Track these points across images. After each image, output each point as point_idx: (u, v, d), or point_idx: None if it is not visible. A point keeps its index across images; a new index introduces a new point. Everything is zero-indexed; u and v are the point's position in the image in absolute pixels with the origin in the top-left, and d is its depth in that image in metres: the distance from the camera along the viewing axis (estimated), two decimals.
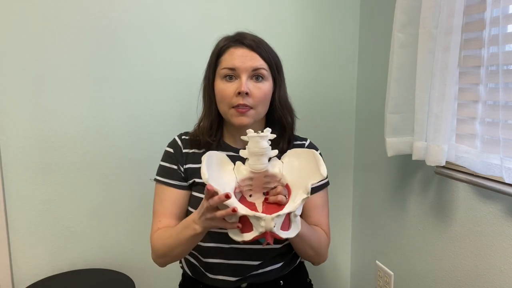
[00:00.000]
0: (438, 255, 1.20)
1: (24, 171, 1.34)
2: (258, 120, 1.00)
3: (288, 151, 0.94)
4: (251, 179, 0.88)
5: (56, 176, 1.37)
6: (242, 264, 1.00)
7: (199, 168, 1.02)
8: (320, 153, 1.09)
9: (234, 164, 0.91)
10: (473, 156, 1.02)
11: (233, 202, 0.78)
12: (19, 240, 1.36)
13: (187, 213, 1.03)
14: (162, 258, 0.99)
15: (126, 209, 1.45)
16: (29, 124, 1.33)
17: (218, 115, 1.02)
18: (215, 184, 0.78)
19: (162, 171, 1.04)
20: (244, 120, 0.95)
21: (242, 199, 0.80)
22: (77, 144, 1.38)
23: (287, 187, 0.87)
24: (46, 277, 1.35)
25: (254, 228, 0.76)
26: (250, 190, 0.90)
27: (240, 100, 0.93)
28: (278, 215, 0.74)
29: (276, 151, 0.87)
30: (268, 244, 0.78)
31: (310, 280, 1.20)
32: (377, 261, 1.55)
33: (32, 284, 1.30)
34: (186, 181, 1.03)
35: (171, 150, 1.04)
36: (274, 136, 0.87)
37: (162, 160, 1.05)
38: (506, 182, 0.90)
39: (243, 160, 0.90)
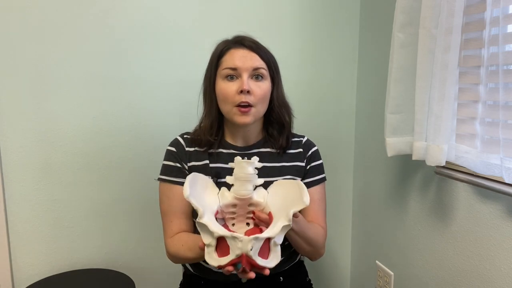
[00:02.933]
0: (438, 255, 1.20)
1: (24, 171, 1.34)
2: (258, 118, 1.03)
3: (274, 182, 0.95)
4: (234, 206, 0.87)
5: (56, 176, 1.37)
6: None
7: (203, 165, 1.03)
8: (317, 150, 1.13)
9: (220, 189, 0.91)
10: (473, 156, 1.02)
11: (211, 222, 0.77)
12: (19, 240, 1.36)
13: (193, 210, 1.04)
14: (180, 262, 1.06)
15: (126, 209, 1.45)
16: (29, 124, 1.32)
17: (218, 115, 1.04)
18: (197, 202, 0.79)
19: (166, 170, 1.05)
20: (246, 119, 0.98)
21: (224, 227, 0.79)
22: (77, 144, 1.38)
23: (269, 215, 0.86)
24: (46, 277, 1.35)
25: (231, 251, 0.74)
26: (233, 218, 0.89)
27: (242, 98, 0.96)
28: (257, 238, 0.73)
29: (262, 180, 0.88)
30: (244, 271, 0.74)
31: (310, 280, 1.20)
32: (377, 261, 1.55)
33: (32, 284, 1.30)
34: None
35: (174, 149, 1.06)
36: (261, 165, 0.88)
37: (165, 160, 1.07)
38: (506, 182, 0.91)
39: (229, 187, 0.89)
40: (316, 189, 1.08)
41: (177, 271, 1.15)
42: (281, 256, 1.05)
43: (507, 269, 0.97)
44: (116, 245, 1.46)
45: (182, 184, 1.02)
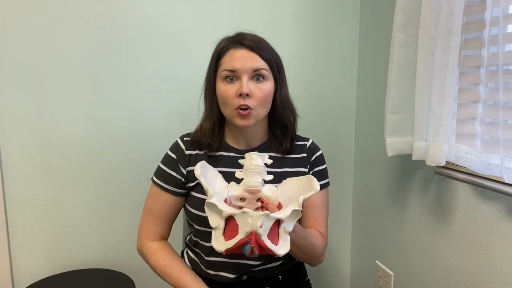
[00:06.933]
0: (438, 255, 1.20)
1: (24, 171, 1.34)
2: (260, 120, 1.00)
3: (283, 180, 0.92)
4: (243, 199, 0.86)
5: (56, 176, 1.37)
6: (243, 263, 1.01)
7: None
8: (322, 154, 1.10)
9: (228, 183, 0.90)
10: (473, 156, 1.02)
11: (220, 202, 0.76)
12: (19, 240, 1.36)
13: (188, 213, 1.03)
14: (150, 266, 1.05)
15: (126, 209, 1.45)
16: (29, 124, 1.32)
17: (219, 116, 1.02)
18: (207, 183, 0.78)
19: (160, 174, 1.04)
20: (246, 122, 0.95)
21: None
22: (77, 144, 1.38)
23: (279, 206, 0.85)
24: (46, 277, 1.35)
25: (239, 230, 0.72)
26: None
27: (242, 101, 0.93)
28: (267, 215, 0.72)
29: (271, 176, 0.86)
30: (252, 252, 0.72)
31: (309, 280, 1.20)
32: (377, 261, 1.55)
33: (32, 284, 1.30)
34: (184, 185, 1.03)
35: (173, 156, 1.04)
36: (271, 161, 0.87)
37: (162, 163, 1.05)
38: (506, 182, 0.91)
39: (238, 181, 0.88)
40: (318, 194, 1.04)
41: None
42: (280, 260, 1.04)
43: (507, 269, 0.97)
44: (116, 245, 1.46)
45: (172, 193, 1.02)
